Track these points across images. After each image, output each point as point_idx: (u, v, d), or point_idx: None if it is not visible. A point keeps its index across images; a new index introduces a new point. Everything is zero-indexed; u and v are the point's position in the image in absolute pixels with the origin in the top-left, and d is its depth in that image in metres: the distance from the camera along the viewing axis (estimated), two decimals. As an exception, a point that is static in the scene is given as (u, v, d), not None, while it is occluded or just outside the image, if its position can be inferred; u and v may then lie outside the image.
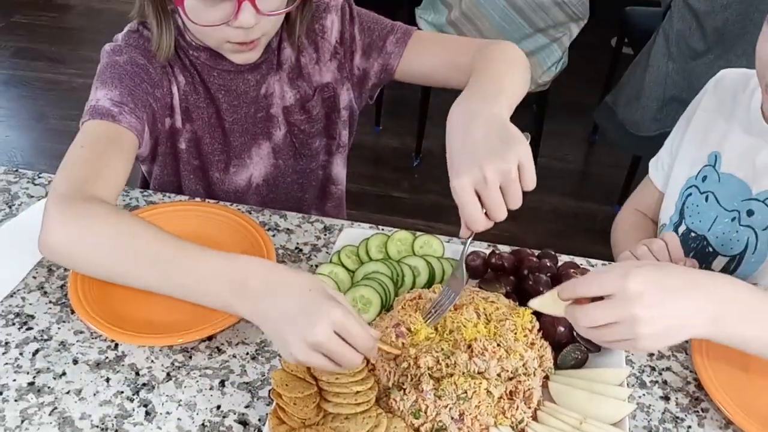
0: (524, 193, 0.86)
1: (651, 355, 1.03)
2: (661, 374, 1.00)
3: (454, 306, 0.96)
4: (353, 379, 0.90)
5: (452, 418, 0.87)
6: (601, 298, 0.78)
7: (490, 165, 0.83)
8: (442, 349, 0.91)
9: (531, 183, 0.85)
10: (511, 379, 0.90)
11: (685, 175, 1.18)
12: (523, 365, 0.91)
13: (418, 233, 1.15)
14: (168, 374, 0.96)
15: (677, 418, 0.95)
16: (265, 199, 1.30)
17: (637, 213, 1.33)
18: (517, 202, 0.86)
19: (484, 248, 1.14)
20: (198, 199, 1.23)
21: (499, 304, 0.98)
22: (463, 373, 0.89)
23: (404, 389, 0.90)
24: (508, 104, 0.96)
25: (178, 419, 0.91)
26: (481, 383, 0.87)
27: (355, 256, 1.10)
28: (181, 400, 0.93)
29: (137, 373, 0.96)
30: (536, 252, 1.10)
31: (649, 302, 0.76)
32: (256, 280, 0.83)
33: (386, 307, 1.01)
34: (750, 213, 1.08)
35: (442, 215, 2.65)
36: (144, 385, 0.95)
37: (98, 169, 0.99)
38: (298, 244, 1.18)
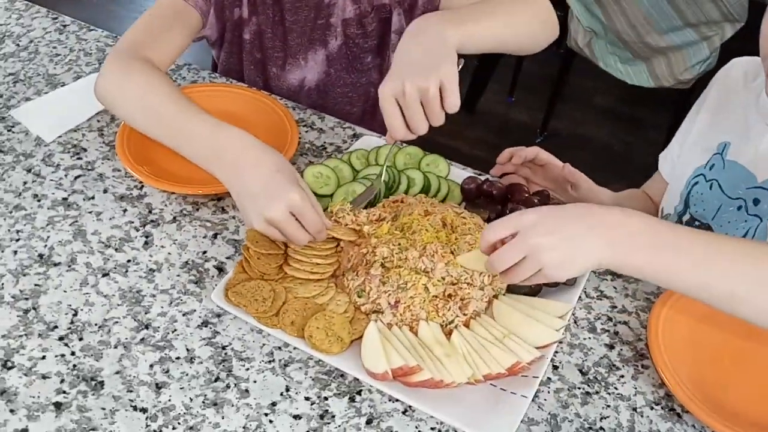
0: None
1: (613, 307, 1.05)
2: (615, 326, 1.02)
3: (425, 211, 1.03)
4: (318, 252, 1.00)
5: (389, 303, 0.95)
6: None
7: (411, 80, 0.90)
8: (399, 244, 0.98)
9: (452, 106, 0.91)
10: (453, 284, 0.96)
11: (694, 164, 1.15)
12: (470, 276, 0.97)
13: (429, 153, 1.22)
14: (174, 218, 1.11)
15: (613, 365, 0.97)
16: (315, 104, 1.41)
17: (642, 191, 1.32)
18: (436, 120, 0.92)
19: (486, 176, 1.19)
20: (254, 88, 1.36)
21: (470, 221, 1.04)
22: (411, 269, 0.96)
23: (357, 271, 0.99)
24: (469, 34, 0.99)
25: (168, 253, 1.05)
26: (420, 278, 0.95)
27: (365, 159, 1.19)
28: (176, 240, 1.07)
29: (150, 211, 1.11)
30: (534, 188, 1.14)
31: (545, 230, 0.79)
32: (232, 153, 0.95)
33: (372, 203, 1.10)
34: (756, 202, 1.05)
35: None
36: (152, 221, 1.10)
37: (157, 36, 1.14)
38: (324, 143, 1.28)
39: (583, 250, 0.79)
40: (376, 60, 1.39)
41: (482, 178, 1.14)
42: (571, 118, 3.10)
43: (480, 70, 3.11)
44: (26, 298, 0.97)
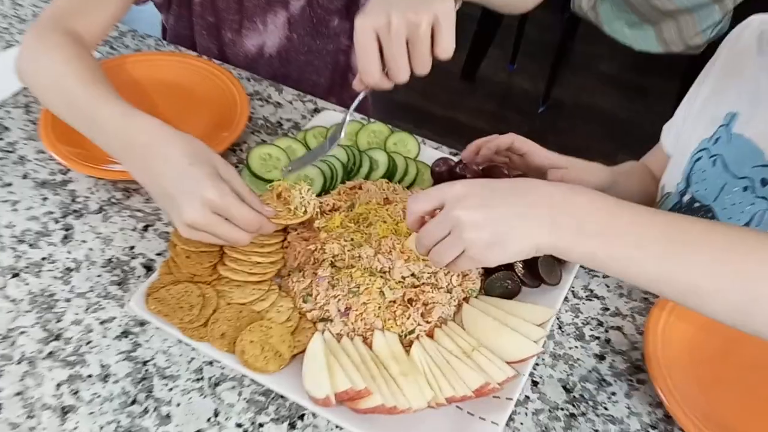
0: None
1: (605, 309, 0.90)
2: (607, 332, 0.88)
3: (385, 199, 0.89)
4: (259, 249, 0.86)
5: (339, 310, 0.81)
6: None
7: (399, 12, 0.72)
8: (352, 239, 0.84)
9: (446, 50, 0.75)
10: (415, 287, 0.82)
11: (698, 136, 0.99)
12: (433, 275, 0.82)
13: (397, 129, 1.07)
14: (101, 208, 0.96)
15: (603, 380, 0.83)
16: (276, 73, 1.26)
17: (642, 164, 1.16)
18: (422, 66, 0.75)
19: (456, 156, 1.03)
20: (205, 57, 1.20)
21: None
22: (365, 269, 0.82)
23: (304, 272, 0.84)
24: None
25: (90, 249, 0.91)
26: (375, 281, 0.80)
27: (323, 138, 1.04)
28: (101, 233, 0.93)
29: (73, 200, 0.97)
30: (515, 173, 0.98)
31: (472, 203, 0.65)
32: (140, 146, 0.79)
33: (328, 189, 0.95)
34: (764, 182, 0.89)
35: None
36: (74, 211, 0.96)
37: (85, 4, 0.99)
38: (281, 119, 1.13)
39: (518, 231, 0.65)
40: (344, 23, 1.23)
41: (456, 159, 0.98)
42: (575, 86, 2.92)
43: (479, 36, 2.92)
44: None
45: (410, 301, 0.81)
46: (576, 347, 0.86)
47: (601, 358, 0.85)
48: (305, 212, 0.85)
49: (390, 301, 0.80)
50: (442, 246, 0.68)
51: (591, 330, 0.88)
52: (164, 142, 0.78)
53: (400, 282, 0.81)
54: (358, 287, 0.80)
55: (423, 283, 0.82)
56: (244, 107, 1.07)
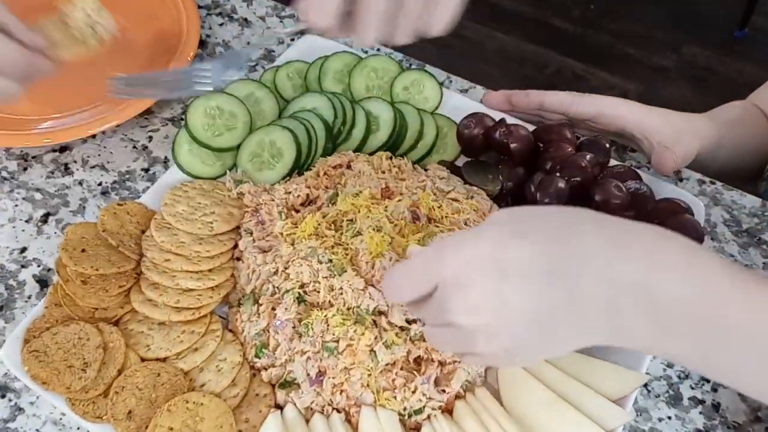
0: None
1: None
2: (715, 391, 0.59)
3: (384, 189, 0.58)
4: (191, 267, 0.57)
5: (308, 374, 0.52)
6: None
7: None
8: (330, 261, 0.54)
9: (438, 22, 0.48)
10: (425, 339, 0.53)
11: None
12: (455, 323, 0.53)
13: (414, 67, 0.75)
14: (-17, 185, 0.68)
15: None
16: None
17: (752, 105, 0.82)
18: (401, 34, 0.47)
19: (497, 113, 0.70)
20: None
21: (465, 204, 0.58)
22: (349, 309, 0.53)
23: (259, 304, 0.56)
24: None
25: (-39, 253, 0.64)
26: (363, 334, 0.51)
27: (302, 80, 0.72)
28: (-21, 226, 0.65)
29: (-53, 175, 0.69)
30: (582, 138, 0.66)
31: (475, 297, 0.40)
32: None
33: (304, 165, 0.65)
34: None
35: (604, 61, 2.07)
36: (-57, 192, 0.67)
37: None
38: (247, 44, 0.81)
39: (560, 338, 0.42)
40: None
41: (496, 116, 0.66)
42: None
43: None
44: None
45: (417, 362, 0.53)
46: (669, 418, 0.57)
47: (707, 435, 0.56)
48: (98, 39, 0.60)
49: (387, 365, 0.52)
50: (441, 335, 0.45)
51: (691, 389, 0.58)
52: None
53: (400, 333, 0.52)
54: (337, 342, 0.52)
55: (438, 334, 0.53)
56: (194, 26, 0.76)
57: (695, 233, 0.57)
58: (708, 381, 0.59)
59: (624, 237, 0.40)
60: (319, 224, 0.56)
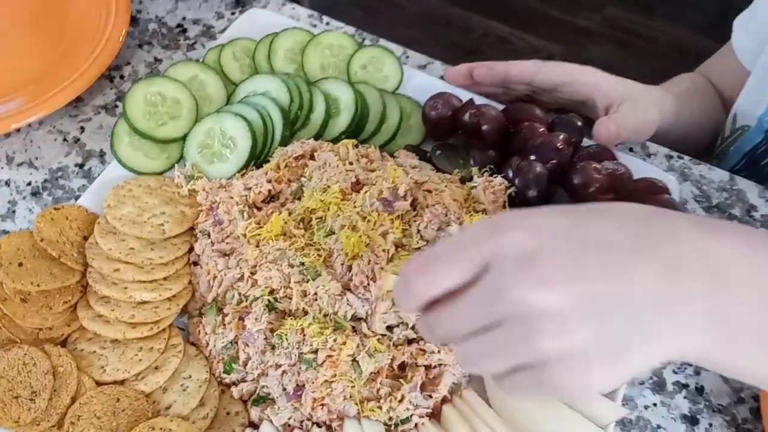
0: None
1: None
2: (698, 374, 0.58)
3: (354, 183, 0.54)
4: (144, 276, 0.51)
5: (284, 389, 0.48)
6: None
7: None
8: (302, 264, 0.50)
9: None
10: (411, 342, 0.50)
11: None
12: (440, 324, 0.49)
13: (369, 43, 0.70)
14: None
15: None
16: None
17: (699, 76, 0.81)
18: None
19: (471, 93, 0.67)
20: None
21: (438, 185, 0.55)
22: (325, 316, 0.49)
23: (224, 315, 0.51)
24: None
25: None
26: (345, 343, 0.47)
27: (250, 59, 0.66)
28: None
29: None
30: (553, 117, 0.63)
31: (552, 274, 0.33)
32: None
33: (261, 156, 0.59)
34: None
35: (529, 23, 2.03)
36: None
37: None
38: (184, 20, 0.74)
39: (646, 335, 0.34)
40: None
41: (464, 96, 0.62)
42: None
43: None
44: None
45: (402, 368, 0.49)
46: (655, 405, 0.56)
47: (692, 421, 0.55)
48: None
49: (371, 373, 0.48)
50: (479, 346, 0.36)
51: (674, 374, 0.57)
52: None
53: (381, 339, 0.49)
54: (315, 352, 0.48)
55: (422, 338, 0.49)
56: (122, 2, 0.68)
57: (676, 214, 0.56)
58: (690, 365, 0.58)
59: (712, 222, 0.38)
60: (286, 223, 0.52)
